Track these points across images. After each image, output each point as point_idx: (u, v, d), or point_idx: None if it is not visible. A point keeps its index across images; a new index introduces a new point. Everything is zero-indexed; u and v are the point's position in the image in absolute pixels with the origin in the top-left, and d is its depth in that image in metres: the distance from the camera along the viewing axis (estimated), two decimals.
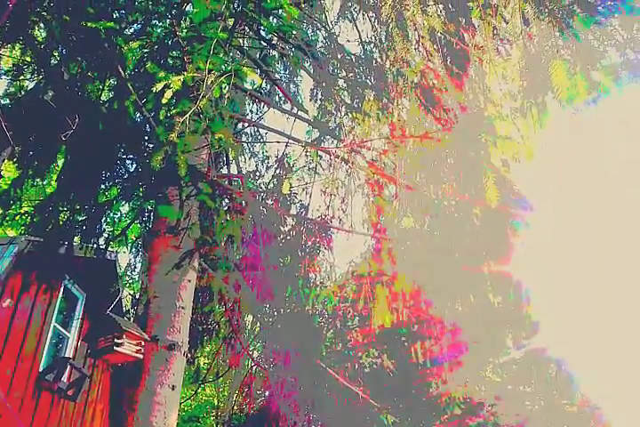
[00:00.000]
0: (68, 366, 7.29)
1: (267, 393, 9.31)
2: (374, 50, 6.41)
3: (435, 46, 5.07)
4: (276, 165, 7.65)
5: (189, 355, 6.75)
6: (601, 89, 4.58)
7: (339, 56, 6.22)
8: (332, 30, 6.76)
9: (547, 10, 4.19)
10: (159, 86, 3.25)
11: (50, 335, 7.20)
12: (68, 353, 7.67)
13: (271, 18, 4.61)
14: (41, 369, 6.87)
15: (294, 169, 7.55)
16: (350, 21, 6.80)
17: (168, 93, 3.26)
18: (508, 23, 4.67)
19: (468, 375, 10.86)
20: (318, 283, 7.70)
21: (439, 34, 5.14)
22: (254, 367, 7.56)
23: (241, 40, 6.12)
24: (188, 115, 3.37)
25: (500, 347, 13.53)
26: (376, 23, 6.01)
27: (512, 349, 14.28)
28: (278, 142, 6.77)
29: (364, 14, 6.37)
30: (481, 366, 12.98)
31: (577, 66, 4.49)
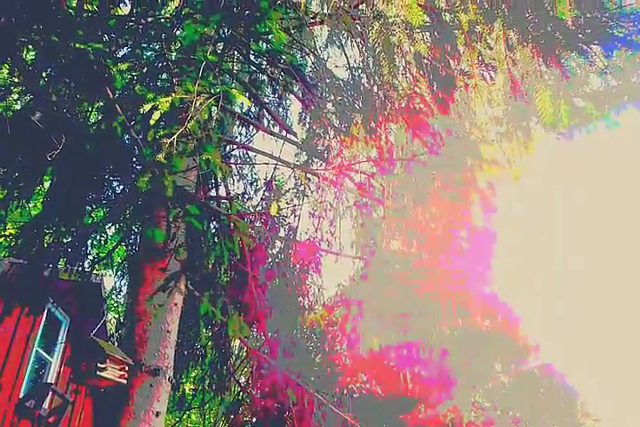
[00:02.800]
0: (50, 392, 7.11)
1: (254, 420, 9.12)
2: (362, 75, 6.49)
3: (421, 72, 5.17)
4: (264, 188, 7.66)
5: (174, 380, 6.61)
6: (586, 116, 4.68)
7: (327, 81, 6.29)
8: (321, 56, 6.85)
9: (530, 36, 4.29)
10: (147, 107, 3.26)
11: (32, 360, 7.04)
12: (51, 378, 7.49)
13: (260, 42, 4.68)
14: (21, 395, 6.68)
15: (283, 191, 7.55)
16: (338, 47, 6.91)
17: (156, 115, 3.27)
18: (492, 49, 4.77)
19: (457, 400, 10.74)
20: (307, 306, 7.62)
21: (425, 60, 5.25)
22: (241, 393, 7.41)
23: (230, 64, 6.19)
24: (175, 136, 3.37)
25: (489, 371, 13.43)
26: (364, 49, 6.11)
27: (501, 373, 14.18)
28: (267, 165, 6.78)
29: (352, 40, 6.48)
30: (470, 391, 12.85)
31: (560, 91, 4.59)
